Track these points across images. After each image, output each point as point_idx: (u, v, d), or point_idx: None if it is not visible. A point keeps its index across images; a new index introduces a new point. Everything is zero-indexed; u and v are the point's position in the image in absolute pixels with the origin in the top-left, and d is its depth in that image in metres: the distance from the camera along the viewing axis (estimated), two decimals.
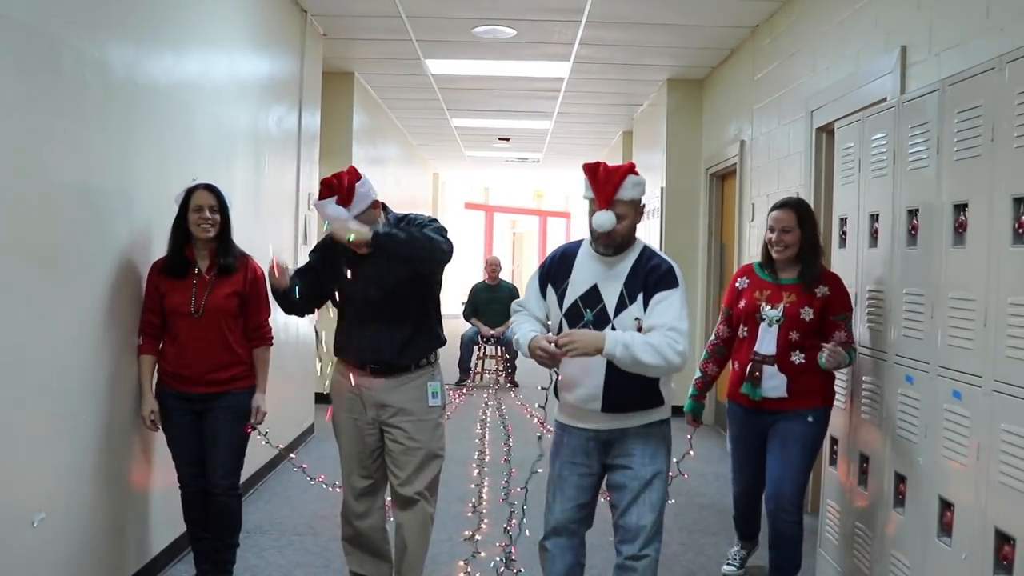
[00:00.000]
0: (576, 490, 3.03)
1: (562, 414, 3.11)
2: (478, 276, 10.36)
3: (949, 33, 3.55)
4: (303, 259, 6.04)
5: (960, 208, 2.83)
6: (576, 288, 3.00)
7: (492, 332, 9.53)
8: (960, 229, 2.83)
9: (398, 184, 11.33)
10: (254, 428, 3.66)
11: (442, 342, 3.50)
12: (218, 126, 4.55)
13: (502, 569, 3.96)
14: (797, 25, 5.43)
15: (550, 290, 3.06)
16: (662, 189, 8.14)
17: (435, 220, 3.39)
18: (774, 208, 3.67)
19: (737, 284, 3.78)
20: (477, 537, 4.45)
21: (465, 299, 9.94)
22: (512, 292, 9.74)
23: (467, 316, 9.75)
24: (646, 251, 3.03)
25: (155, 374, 3.58)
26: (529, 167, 15.61)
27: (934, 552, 2.90)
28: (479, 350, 9.89)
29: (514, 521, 4.62)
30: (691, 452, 3.92)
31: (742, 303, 3.69)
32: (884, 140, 3.38)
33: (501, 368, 9.84)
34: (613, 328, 2.89)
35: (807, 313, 3.51)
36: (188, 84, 4.13)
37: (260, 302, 3.67)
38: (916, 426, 3.07)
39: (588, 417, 2.98)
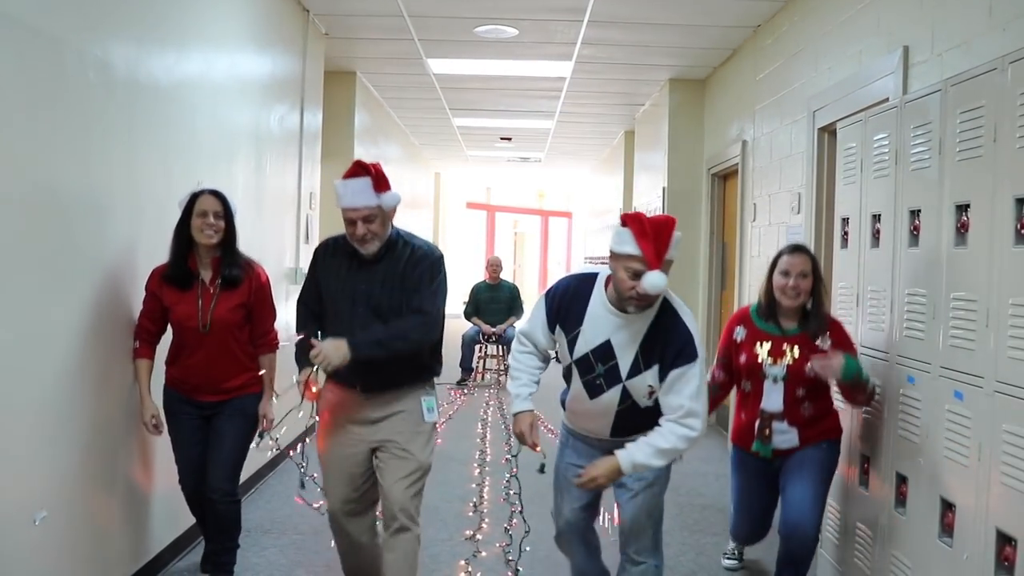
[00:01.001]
0: (579, 492, 3.06)
1: (568, 420, 3.16)
2: (479, 276, 10.35)
3: (951, 33, 3.55)
4: (304, 260, 6.09)
5: (962, 208, 2.83)
6: (588, 341, 2.91)
7: (493, 330, 9.52)
8: (962, 230, 2.83)
9: (400, 184, 11.27)
10: (262, 436, 3.66)
11: (436, 373, 3.34)
12: (220, 125, 4.56)
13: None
14: (799, 25, 5.43)
15: (559, 331, 2.99)
16: (664, 189, 8.14)
17: (439, 264, 3.21)
18: (786, 252, 3.52)
19: (735, 335, 3.61)
20: (478, 537, 4.45)
21: (466, 299, 9.93)
22: (513, 292, 9.73)
23: (468, 316, 9.74)
24: (665, 308, 2.88)
25: (162, 377, 3.56)
26: (531, 167, 15.62)
27: (935, 553, 2.90)
28: (480, 349, 9.89)
29: (515, 521, 4.63)
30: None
31: (742, 357, 3.55)
32: (886, 140, 3.38)
33: (502, 368, 9.84)
34: (624, 389, 2.89)
35: (811, 369, 3.40)
36: (190, 83, 4.13)
37: (266, 309, 3.63)
38: (918, 426, 3.06)
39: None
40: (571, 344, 2.94)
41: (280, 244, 5.76)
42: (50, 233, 2.93)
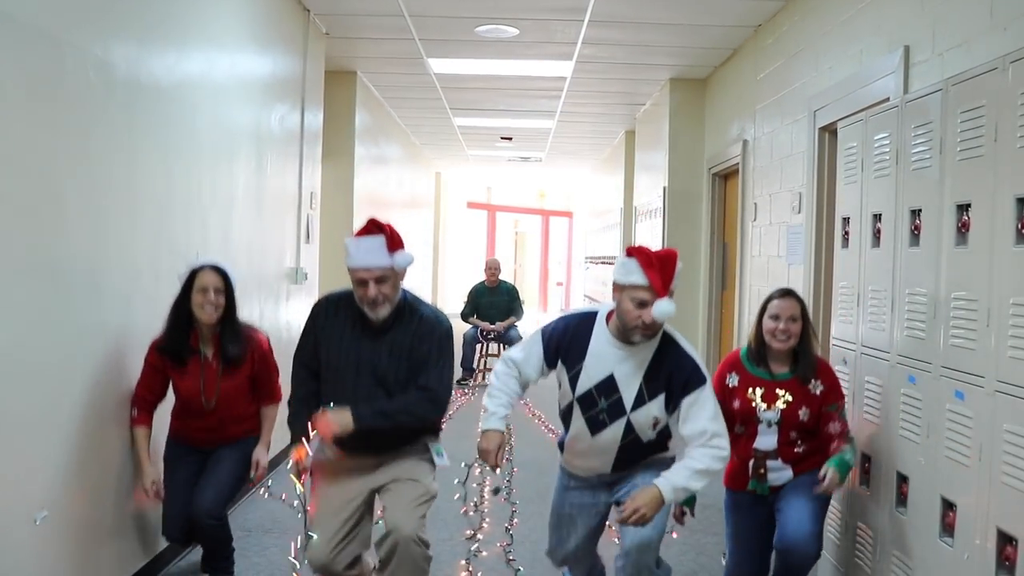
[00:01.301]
0: (586, 528, 3.17)
1: (566, 463, 3.21)
2: (479, 276, 10.34)
3: (952, 33, 3.54)
4: (304, 259, 6.09)
5: (963, 208, 2.83)
6: (590, 376, 2.94)
7: (492, 327, 9.49)
8: (963, 229, 2.83)
9: (400, 184, 11.32)
10: (253, 482, 3.71)
11: (439, 430, 3.29)
12: (220, 125, 4.55)
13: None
14: (800, 25, 5.43)
15: (560, 366, 3.01)
16: (664, 189, 8.13)
17: (447, 338, 3.15)
18: (776, 296, 3.51)
19: (727, 381, 3.57)
20: (478, 536, 4.45)
21: (465, 299, 9.91)
22: (512, 293, 9.69)
23: (465, 317, 9.70)
24: (666, 338, 2.94)
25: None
26: (531, 166, 15.62)
27: (936, 552, 2.90)
28: (481, 348, 9.86)
29: (515, 520, 4.62)
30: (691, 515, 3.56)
31: (736, 403, 3.51)
32: (887, 140, 3.38)
33: None
34: (628, 423, 2.92)
35: (804, 414, 3.41)
36: (191, 83, 4.13)
37: (270, 372, 3.66)
38: (918, 426, 3.06)
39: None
40: (573, 381, 2.97)
41: (280, 244, 5.76)
42: (51, 234, 2.93)
